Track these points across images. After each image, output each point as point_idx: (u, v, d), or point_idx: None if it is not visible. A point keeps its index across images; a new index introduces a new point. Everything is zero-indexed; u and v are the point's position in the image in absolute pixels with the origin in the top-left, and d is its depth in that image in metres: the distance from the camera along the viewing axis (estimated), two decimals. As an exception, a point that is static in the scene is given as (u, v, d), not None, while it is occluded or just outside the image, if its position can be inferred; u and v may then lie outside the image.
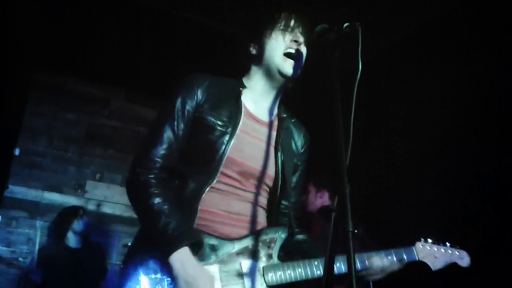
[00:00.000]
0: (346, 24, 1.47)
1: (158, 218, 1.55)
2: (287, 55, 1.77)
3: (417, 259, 1.88)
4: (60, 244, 4.52)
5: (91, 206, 5.24)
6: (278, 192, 1.80)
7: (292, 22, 1.81)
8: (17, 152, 4.96)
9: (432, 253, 1.92)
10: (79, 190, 5.26)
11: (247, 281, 1.60)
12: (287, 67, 1.77)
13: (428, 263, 1.91)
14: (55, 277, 4.25)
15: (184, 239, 1.53)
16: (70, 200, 5.16)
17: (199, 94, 1.74)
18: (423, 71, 4.21)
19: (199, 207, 1.65)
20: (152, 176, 1.63)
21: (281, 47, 1.77)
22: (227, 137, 1.70)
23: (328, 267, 1.30)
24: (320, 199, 3.85)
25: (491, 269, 2.99)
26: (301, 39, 1.79)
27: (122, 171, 5.41)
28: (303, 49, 1.81)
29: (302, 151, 1.95)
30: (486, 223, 3.24)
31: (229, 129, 1.71)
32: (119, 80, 5.37)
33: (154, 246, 1.57)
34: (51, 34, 4.59)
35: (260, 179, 1.77)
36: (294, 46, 1.78)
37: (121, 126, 5.57)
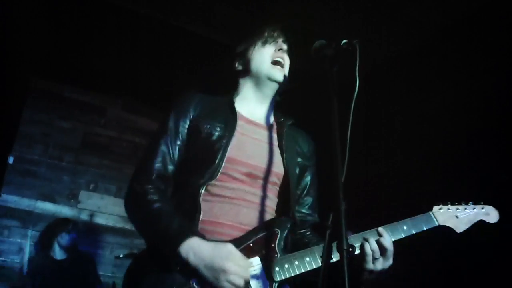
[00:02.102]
0: (344, 41, 1.48)
1: (158, 219, 1.55)
2: (275, 63, 1.84)
3: (437, 224, 1.74)
4: (45, 255, 4.42)
5: (84, 216, 5.19)
6: (287, 193, 1.77)
7: (275, 33, 1.89)
8: (11, 160, 4.92)
9: (453, 214, 1.75)
10: (72, 200, 5.21)
11: (253, 282, 1.54)
12: (277, 73, 1.83)
13: (451, 226, 1.74)
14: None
15: (189, 232, 1.52)
16: (63, 210, 5.12)
17: (192, 109, 1.78)
18: (423, 84, 4.22)
19: (204, 218, 1.62)
20: (149, 186, 1.64)
21: (267, 57, 1.85)
22: (225, 139, 1.71)
23: (322, 284, 1.27)
24: None
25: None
26: (284, 47, 1.87)
27: (116, 181, 5.38)
28: (286, 57, 1.88)
29: (308, 154, 1.94)
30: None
31: (227, 133, 1.73)
32: (116, 89, 5.37)
33: (159, 247, 1.55)
34: (49, 42, 4.59)
35: (268, 178, 1.75)
36: (279, 54, 1.85)
37: (117, 136, 5.55)
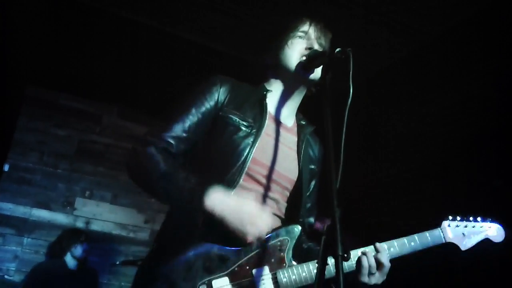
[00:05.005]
0: (337, 50, 1.49)
1: (176, 177, 1.54)
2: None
3: (444, 241, 1.75)
4: (58, 262, 4.40)
5: (79, 224, 5.17)
6: (298, 199, 1.79)
7: (307, 28, 1.81)
8: (6, 168, 4.91)
9: (461, 231, 1.77)
10: (68, 207, 5.20)
11: None
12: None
13: (457, 244, 1.76)
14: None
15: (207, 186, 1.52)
16: (59, 217, 5.10)
17: (221, 93, 1.73)
18: (420, 91, 4.25)
19: None
20: (159, 150, 1.62)
21: (297, 53, 1.77)
22: (252, 138, 1.69)
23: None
24: None
25: None
26: (316, 45, 1.78)
27: (112, 188, 5.37)
28: None
29: (318, 159, 1.95)
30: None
31: (254, 130, 1.70)
32: (112, 96, 5.37)
33: (179, 203, 1.55)
34: (45, 49, 4.59)
35: (282, 183, 1.76)
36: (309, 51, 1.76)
37: (113, 143, 5.54)
